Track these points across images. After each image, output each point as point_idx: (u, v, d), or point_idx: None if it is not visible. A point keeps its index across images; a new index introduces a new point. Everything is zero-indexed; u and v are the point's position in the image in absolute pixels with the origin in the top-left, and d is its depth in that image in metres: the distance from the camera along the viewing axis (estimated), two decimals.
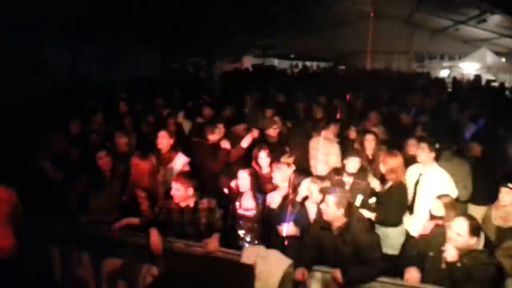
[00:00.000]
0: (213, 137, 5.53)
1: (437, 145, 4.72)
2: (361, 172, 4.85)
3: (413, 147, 5.29)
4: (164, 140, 5.14)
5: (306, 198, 4.26)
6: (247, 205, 4.40)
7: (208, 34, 12.43)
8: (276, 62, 21.72)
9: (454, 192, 4.52)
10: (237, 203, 4.45)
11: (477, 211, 5.21)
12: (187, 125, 7.44)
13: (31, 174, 5.07)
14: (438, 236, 3.55)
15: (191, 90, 11.11)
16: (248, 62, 19.36)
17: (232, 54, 17.37)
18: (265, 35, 16.53)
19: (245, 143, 5.46)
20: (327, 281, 3.70)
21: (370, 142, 5.55)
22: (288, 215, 4.16)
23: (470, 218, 3.40)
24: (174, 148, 5.27)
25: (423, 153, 4.66)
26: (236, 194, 4.53)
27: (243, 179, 4.39)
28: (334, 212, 3.63)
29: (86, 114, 6.77)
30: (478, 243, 3.34)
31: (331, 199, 3.63)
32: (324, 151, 5.79)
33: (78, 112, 6.86)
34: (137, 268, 4.21)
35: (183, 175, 4.20)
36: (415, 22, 18.92)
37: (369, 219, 4.41)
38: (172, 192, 4.10)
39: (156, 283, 3.37)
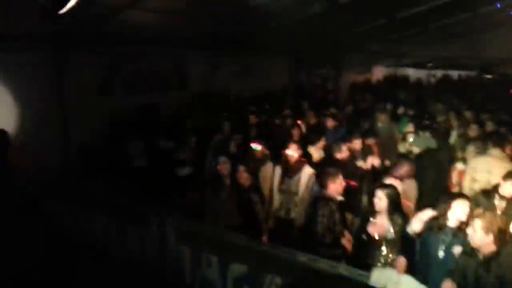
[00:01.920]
0: (341, 156, 5.50)
1: None
2: None
3: None
4: (293, 152, 5.22)
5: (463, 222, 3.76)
6: (382, 226, 4.11)
7: (336, 43, 12.24)
8: (410, 71, 20.32)
9: None
10: (372, 222, 4.19)
11: None
12: None
13: None
14: None
15: (318, 101, 11.09)
16: (379, 72, 18.52)
17: (361, 64, 16.82)
18: (399, 42, 15.57)
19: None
20: None
21: None
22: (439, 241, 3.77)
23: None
24: (302, 160, 5.29)
25: None
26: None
27: (379, 198, 4.13)
28: (481, 239, 3.27)
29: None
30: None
31: (478, 223, 3.28)
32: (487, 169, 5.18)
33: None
34: (262, 276, 4.24)
35: None
36: None
37: None
38: None
39: None
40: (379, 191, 4.16)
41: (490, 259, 3.25)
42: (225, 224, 4.79)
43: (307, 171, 5.17)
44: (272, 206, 5.31)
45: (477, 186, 5.13)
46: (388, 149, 6.84)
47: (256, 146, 5.88)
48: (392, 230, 4.02)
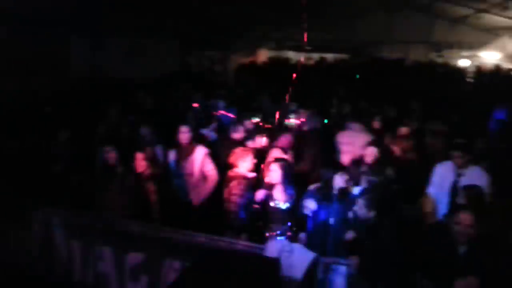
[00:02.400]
0: (237, 136, 5.62)
1: None
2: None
3: None
4: (185, 134, 5.15)
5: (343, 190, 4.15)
6: (278, 198, 4.35)
7: (224, 25, 12.34)
8: (291, 54, 21.47)
9: None
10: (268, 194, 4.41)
11: None
12: None
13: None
14: None
15: (207, 84, 11.10)
16: (263, 55, 19.20)
17: (247, 47, 17.23)
18: (281, 27, 16.32)
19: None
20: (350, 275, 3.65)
21: None
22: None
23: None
24: (194, 141, 5.28)
25: None
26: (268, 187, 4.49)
27: (274, 171, 4.34)
28: (365, 215, 3.69)
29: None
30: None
31: (360, 202, 3.70)
32: (349, 141, 5.72)
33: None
34: (160, 263, 4.20)
35: None
36: (434, 12, 18.47)
37: None
38: None
39: (182, 277, 3.34)
40: (273, 164, 4.39)
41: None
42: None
43: (201, 151, 5.18)
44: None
45: (346, 158, 5.68)
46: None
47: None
48: (286, 201, 4.26)
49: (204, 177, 5.15)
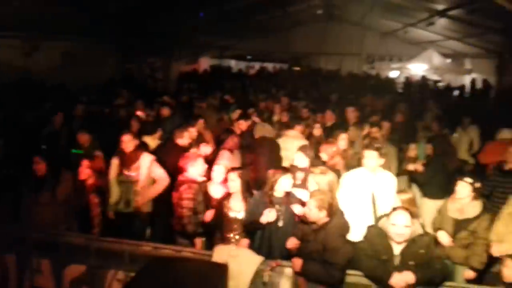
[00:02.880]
0: (182, 141, 5.60)
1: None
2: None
3: None
4: (129, 143, 5.08)
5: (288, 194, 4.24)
6: (236, 207, 4.33)
7: (167, 33, 12.21)
8: (233, 63, 21.71)
9: None
10: (226, 205, 4.38)
11: (430, 204, 5.59)
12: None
13: None
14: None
15: (148, 92, 10.94)
16: (205, 63, 19.24)
17: (189, 55, 17.19)
18: (224, 36, 16.51)
19: None
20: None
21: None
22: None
23: (405, 208, 3.66)
24: (139, 148, 5.21)
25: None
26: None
27: (233, 180, 4.34)
28: (316, 215, 3.70)
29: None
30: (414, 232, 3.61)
31: (312, 202, 3.71)
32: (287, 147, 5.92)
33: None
34: (102, 274, 4.09)
35: None
36: (366, 25, 19.61)
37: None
38: None
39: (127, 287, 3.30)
40: (231, 173, 4.40)
41: (320, 228, 3.69)
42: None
43: (146, 158, 5.12)
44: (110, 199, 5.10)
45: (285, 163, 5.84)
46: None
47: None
48: (243, 210, 4.27)
49: (152, 182, 5.10)
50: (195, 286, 3.10)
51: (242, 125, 6.76)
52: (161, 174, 5.07)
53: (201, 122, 6.73)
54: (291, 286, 3.79)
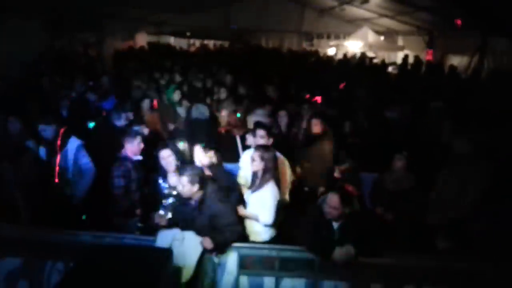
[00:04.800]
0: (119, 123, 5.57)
1: None
2: None
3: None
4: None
5: None
6: (172, 183, 4.39)
7: (97, 6, 11.48)
8: (172, 40, 21.02)
9: None
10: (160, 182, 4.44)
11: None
12: None
13: None
14: None
15: (83, 70, 10.33)
16: (142, 39, 18.44)
17: (124, 30, 16.37)
18: (159, 10, 15.80)
19: None
20: (244, 255, 3.85)
21: None
22: None
23: (340, 191, 3.85)
24: (66, 134, 4.96)
25: None
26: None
27: (165, 158, 4.44)
28: (189, 190, 3.84)
29: None
30: (351, 209, 3.85)
31: (184, 179, 3.82)
32: None
33: None
34: (40, 266, 3.91)
35: None
36: (304, 2, 19.79)
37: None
38: None
39: (67, 278, 3.17)
40: (163, 150, 4.47)
41: (199, 203, 3.84)
42: None
43: (73, 143, 4.94)
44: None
45: None
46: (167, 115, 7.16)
47: None
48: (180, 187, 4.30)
49: (80, 170, 4.93)
50: (137, 273, 3.04)
51: None
52: (86, 164, 4.95)
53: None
54: (238, 263, 3.86)
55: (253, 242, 4.21)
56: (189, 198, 3.90)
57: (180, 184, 3.85)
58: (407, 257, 4.03)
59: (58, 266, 3.90)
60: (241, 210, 4.32)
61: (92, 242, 3.90)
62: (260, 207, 4.20)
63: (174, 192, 4.35)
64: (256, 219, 4.25)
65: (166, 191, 4.46)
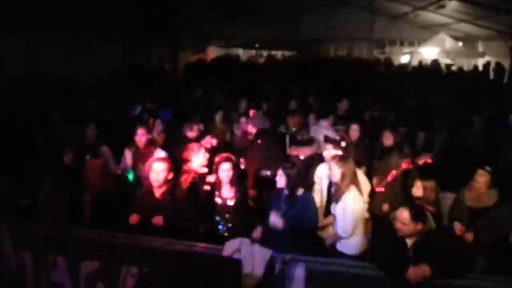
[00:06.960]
0: (191, 134, 5.67)
1: None
2: None
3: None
4: (142, 137, 5.07)
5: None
6: (226, 195, 4.40)
7: (173, 22, 12.11)
8: (240, 52, 21.57)
9: None
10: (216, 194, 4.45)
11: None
12: None
13: None
14: None
15: (158, 83, 10.89)
16: (212, 52, 19.13)
17: (197, 44, 17.09)
18: (230, 24, 16.35)
19: None
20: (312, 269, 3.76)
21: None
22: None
23: (411, 206, 3.59)
24: (152, 144, 5.19)
25: None
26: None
27: (223, 170, 4.38)
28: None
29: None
30: (426, 227, 3.58)
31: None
32: None
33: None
34: (116, 270, 4.11)
35: None
36: (375, 9, 19.29)
37: None
38: None
39: (141, 283, 3.31)
40: (224, 163, 4.43)
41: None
42: None
43: (159, 155, 5.08)
44: None
45: None
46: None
47: None
48: (233, 198, 4.35)
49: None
50: (208, 281, 3.09)
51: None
52: None
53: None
54: (305, 276, 3.76)
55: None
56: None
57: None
58: (489, 280, 3.69)
59: (132, 270, 4.07)
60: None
61: (165, 248, 4.03)
62: (342, 217, 4.14)
63: (229, 203, 4.35)
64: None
65: (219, 202, 4.42)
